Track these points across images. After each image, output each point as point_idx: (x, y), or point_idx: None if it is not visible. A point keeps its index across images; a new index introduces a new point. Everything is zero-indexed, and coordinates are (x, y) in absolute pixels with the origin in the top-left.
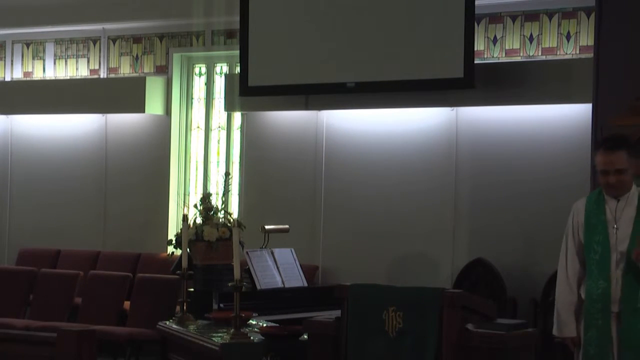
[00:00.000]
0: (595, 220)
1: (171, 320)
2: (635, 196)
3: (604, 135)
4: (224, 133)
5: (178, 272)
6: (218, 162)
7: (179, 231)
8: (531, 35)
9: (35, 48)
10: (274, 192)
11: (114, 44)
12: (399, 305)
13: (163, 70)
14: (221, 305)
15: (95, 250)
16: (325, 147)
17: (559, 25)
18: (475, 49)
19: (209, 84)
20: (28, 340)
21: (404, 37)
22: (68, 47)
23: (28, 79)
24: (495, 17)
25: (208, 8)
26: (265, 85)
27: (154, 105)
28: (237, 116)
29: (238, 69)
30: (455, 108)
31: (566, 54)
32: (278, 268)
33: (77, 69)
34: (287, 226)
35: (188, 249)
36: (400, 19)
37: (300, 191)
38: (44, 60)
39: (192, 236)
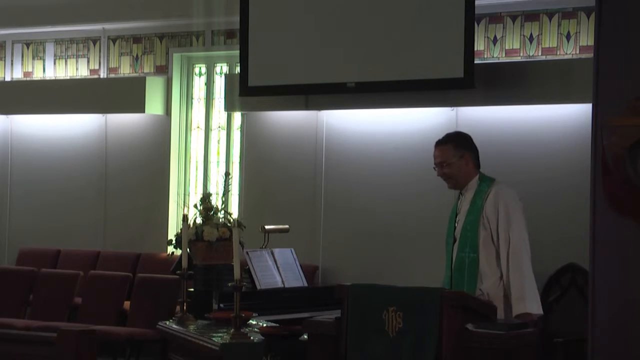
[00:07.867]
0: (451, 213)
1: (171, 320)
2: (472, 190)
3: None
4: (224, 133)
5: (178, 272)
6: (218, 162)
7: (179, 231)
8: (531, 35)
9: (35, 48)
10: (274, 192)
11: (114, 44)
12: (399, 305)
13: (163, 70)
14: (221, 305)
15: (95, 250)
16: (325, 147)
17: (559, 25)
18: (475, 49)
19: (209, 84)
20: (28, 340)
21: (404, 37)
22: (68, 47)
23: (28, 79)
24: (495, 17)
25: (208, 8)
26: (265, 85)
27: (154, 105)
28: (237, 116)
29: (238, 69)
30: (455, 108)
31: (566, 54)
32: (278, 268)
33: (77, 69)
34: (287, 226)
35: (188, 249)
36: (400, 19)
37: (300, 191)
38: (44, 60)
39: (192, 236)
